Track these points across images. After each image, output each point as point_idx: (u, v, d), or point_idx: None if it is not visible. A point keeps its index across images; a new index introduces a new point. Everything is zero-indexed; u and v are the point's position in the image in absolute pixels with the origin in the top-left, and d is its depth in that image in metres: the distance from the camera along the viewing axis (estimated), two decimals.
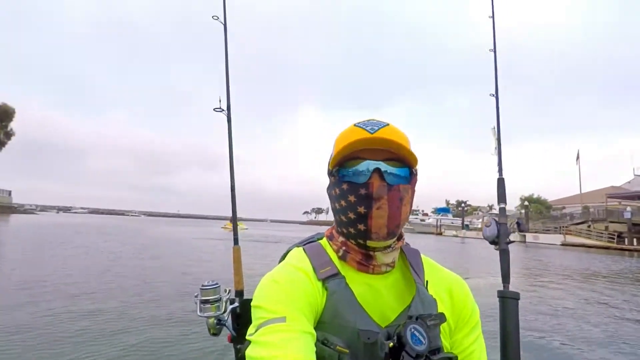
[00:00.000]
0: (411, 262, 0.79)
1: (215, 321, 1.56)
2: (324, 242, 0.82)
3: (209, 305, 1.55)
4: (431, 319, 0.66)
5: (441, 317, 0.68)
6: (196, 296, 1.54)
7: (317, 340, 0.65)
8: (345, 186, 0.72)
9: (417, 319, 0.66)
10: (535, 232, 44.03)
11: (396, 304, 0.74)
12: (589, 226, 38.95)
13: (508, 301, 1.17)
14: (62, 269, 8.46)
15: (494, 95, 1.56)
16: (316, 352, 0.63)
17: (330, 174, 0.77)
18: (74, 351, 3.56)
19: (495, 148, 1.49)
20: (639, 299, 8.74)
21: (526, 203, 53.06)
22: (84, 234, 21.44)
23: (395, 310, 0.73)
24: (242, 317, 1.55)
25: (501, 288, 1.22)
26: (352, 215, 0.71)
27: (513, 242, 1.29)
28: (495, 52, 1.63)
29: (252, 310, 0.67)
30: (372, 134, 0.70)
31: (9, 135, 53.58)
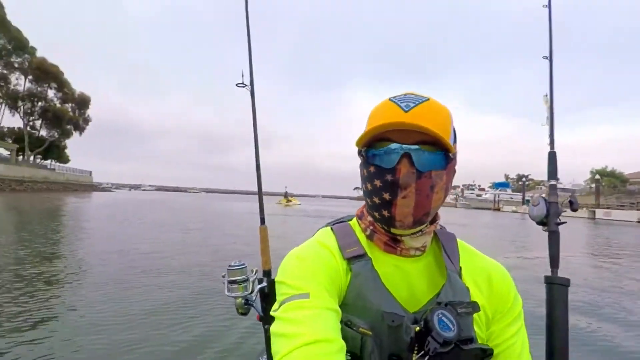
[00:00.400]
0: (445, 247, 0.75)
1: (242, 301, 1.55)
2: (353, 222, 0.79)
3: (236, 286, 1.53)
4: (462, 307, 0.63)
5: (474, 306, 0.64)
6: (223, 276, 1.53)
7: (341, 320, 0.63)
8: (372, 169, 0.67)
9: (446, 305, 0.62)
10: (608, 208, 40.38)
11: (426, 289, 0.70)
12: None
13: (556, 287, 1.08)
14: (136, 242, 9.08)
15: (547, 58, 1.38)
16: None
17: (359, 153, 0.72)
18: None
19: (547, 118, 1.32)
20: None
21: (597, 177, 48.39)
22: (156, 210, 22.99)
23: (425, 296, 0.69)
24: (269, 296, 1.54)
25: (549, 273, 1.12)
26: (377, 200, 0.67)
27: (564, 222, 1.16)
28: (550, 6, 1.40)
29: (277, 286, 0.66)
30: (406, 111, 0.63)
31: (86, 121, 59.01)
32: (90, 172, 70.90)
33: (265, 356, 1.62)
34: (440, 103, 0.68)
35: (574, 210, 1.17)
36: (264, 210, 1.62)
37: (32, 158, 52.73)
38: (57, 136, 55.96)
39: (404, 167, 0.63)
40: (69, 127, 56.07)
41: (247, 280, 1.55)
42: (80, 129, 57.94)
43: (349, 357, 0.63)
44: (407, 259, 0.72)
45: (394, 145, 0.64)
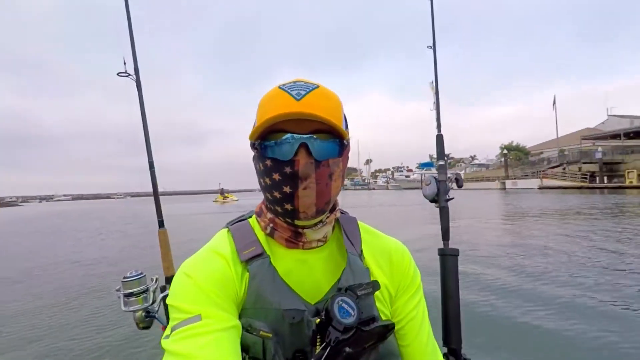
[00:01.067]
0: (347, 232, 0.75)
1: (143, 314, 1.41)
2: (252, 219, 0.76)
3: (134, 298, 1.39)
4: (362, 289, 0.63)
5: (374, 285, 0.65)
6: (118, 290, 1.37)
7: (242, 327, 0.62)
8: (269, 162, 0.63)
9: (346, 290, 0.62)
10: (514, 179, 45.00)
11: (329, 277, 0.70)
12: (564, 169, 39.93)
13: (448, 258, 1.16)
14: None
15: (431, 48, 1.41)
16: (241, 341, 0.61)
17: (252, 146, 0.68)
18: None
19: (434, 103, 1.39)
20: (594, 228, 9.00)
21: (505, 152, 53.67)
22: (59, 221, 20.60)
23: (328, 284, 0.69)
24: None
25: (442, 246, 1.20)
26: (277, 195, 0.64)
27: (452, 198, 1.26)
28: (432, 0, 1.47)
29: (168, 308, 0.63)
30: (298, 99, 0.61)
31: None
32: None
33: None
34: (330, 89, 0.66)
35: (460, 186, 1.29)
36: (161, 212, 1.48)
37: None
38: None
39: (302, 157, 0.61)
40: None
41: (146, 290, 1.41)
42: None
43: None
44: (310, 250, 0.70)
45: (289, 136, 0.62)
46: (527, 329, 3.26)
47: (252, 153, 0.70)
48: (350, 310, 0.60)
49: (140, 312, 1.39)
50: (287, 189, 0.63)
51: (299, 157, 0.61)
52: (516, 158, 54.26)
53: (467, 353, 1.11)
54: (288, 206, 0.64)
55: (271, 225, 0.71)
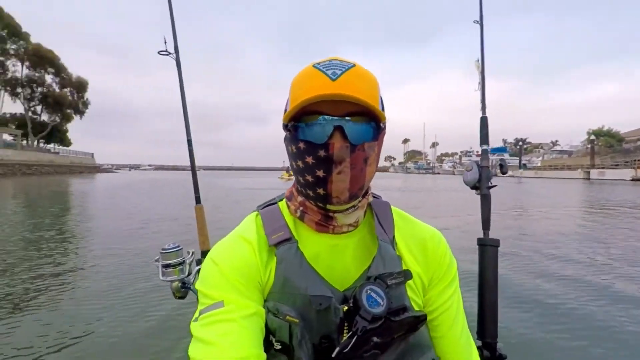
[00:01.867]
0: (379, 217, 0.71)
1: (179, 285, 1.46)
2: (282, 203, 0.74)
3: (171, 269, 1.45)
4: (392, 278, 0.61)
5: (406, 274, 0.63)
6: (157, 260, 1.43)
7: (269, 311, 0.62)
8: (302, 145, 0.61)
9: (375, 279, 0.60)
10: (602, 168, 40.15)
11: (359, 264, 0.67)
12: None
13: (487, 249, 1.11)
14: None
15: (477, 22, 1.30)
16: (267, 324, 0.61)
17: (284, 127, 0.65)
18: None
19: (479, 83, 1.29)
20: None
21: (592, 137, 47.87)
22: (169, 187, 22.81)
23: (357, 271, 0.66)
24: None
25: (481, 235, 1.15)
26: (310, 178, 0.62)
27: (495, 186, 1.19)
28: None
29: (197, 292, 0.64)
30: (333, 79, 0.57)
31: (85, 104, 58.44)
32: (93, 154, 70.51)
33: None
34: (366, 69, 0.62)
35: (504, 173, 1.22)
36: (198, 189, 1.50)
37: (35, 143, 52.55)
38: (58, 120, 55.63)
39: (337, 141, 0.58)
40: (69, 111, 55.62)
41: (183, 262, 1.45)
42: (80, 112, 57.50)
43: (280, 346, 0.62)
44: (340, 235, 0.68)
45: (324, 118, 0.58)
46: (569, 328, 3.05)
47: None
48: (379, 300, 0.57)
49: (176, 283, 1.44)
50: (320, 173, 0.60)
51: (333, 140, 0.58)
52: (606, 145, 48.23)
53: (502, 348, 1.06)
54: (320, 190, 0.62)
55: (301, 208, 0.69)
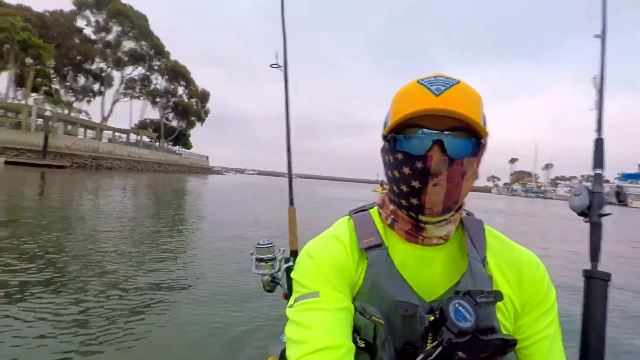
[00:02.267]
0: (471, 235, 0.70)
1: (269, 279, 1.57)
2: (373, 210, 0.76)
3: (264, 264, 1.55)
4: (482, 296, 0.59)
5: (496, 295, 0.61)
6: (252, 254, 1.55)
7: (356, 310, 0.64)
8: (400, 156, 0.63)
9: (464, 294, 0.59)
10: None
11: (447, 278, 0.67)
12: None
13: (596, 282, 1.01)
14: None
15: (599, 37, 1.21)
16: (354, 322, 0.63)
17: (384, 138, 0.67)
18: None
19: (596, 102, 1.20)
20: None
21: None
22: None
23: (444, 285, 0.66)
24: None
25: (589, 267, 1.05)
26: (405, 188, 0.63)
27: (609, 214, 1.08)
28: None
29: (292, 282, 0.68)
30: (437, 95, 0.59)
31: (206, 113, 66.80)
32: (207, 157, 78.54)
33: None
34: (471, 86, 0.62)
35: (621, 201, 1.11)
36: (292, 192, 1.60)
37: (165, 144, 61.26)
38: (184, 126, 64.30)
39: (436, 154, 0.59)
40: (193, 118, 63.75)
41: (274, 258, 1.56)
42: (201, 119, 65.65)
43: (363, 344, 0.63)
44: (429, 247, 0.68)
45: (425, 131, 0.60)
46: None
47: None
48: (467, 315, 0.56)
49: (267, 277, 1.55)
50: (415, 184, 0.62)
51: (432, 153, 0.59)
52: None
53: None
54: (414, 200, 0.63)
55: (392, 216, 0.70)
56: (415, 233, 0.67)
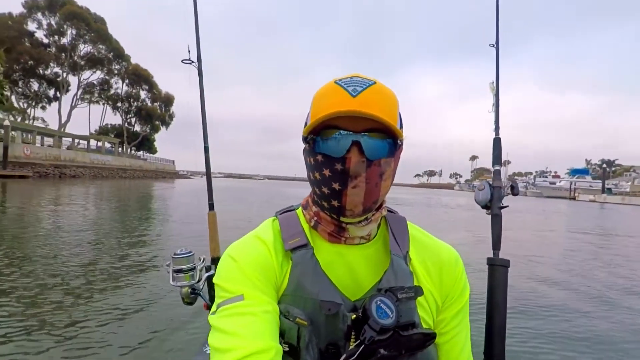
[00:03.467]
0: (394, 232, 0.71)
1: (189, 290, 1.44)
2: (299, 211, 0.75)
3: (182, 275, 1.43)
4: (403, 292, 0.60)
5: (417, 290, 0.62)
6: (168, 265, 1.42)
7: (280, 312, 0.62)
8: (320, 158, 0.62)
9: (386, 291, 0.59)
10: None
11: (371, 276, 0.67)
12: None
13: (497, 269, 1.09)
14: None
15: (493, 46, 1.31)
16: (279, 325, 0.61)
17: (304, 140, 0.66)
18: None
19: (493, 105, 1.30)
20: None
21: None
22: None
23: (369, 283, 0.66)
24: None
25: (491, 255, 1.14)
26: (326, 190, 0.63)
27: (506, 206, 1.17)
28: None
29: (215, 287, 0.64)
30: (354, 96, 0.58)
31: (171, 117, 64.74)
32: (173, 162, 76.08)
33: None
34: (387, 87, 0.62)
35: (515, 194, 1.18)
36: (212, 195, 1.47)
37: (128, 150, 58.89)
38: (148, 131, 62.08)
39: (354, 155, 0.59)
40: (157, 122, 61.71)
41: (194, 268, 1.43)
42: (166, 124, 63.61)
43: (287, 348, 0.61)
44: (354, 247, 0.68)
45: (343, 133, 0.59)
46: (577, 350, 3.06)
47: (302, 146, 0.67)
48: (389, 312, 0.56)
49: (186, 289, 1.42)
50: (336, 186, 0.61)
51: (350, 154, 0.59)
52: None
53: None
54: (335, 203, 0.63)
55: (315, 218, 0.69)
56: (337, 234, 0.66)
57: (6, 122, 29.85)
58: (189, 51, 1.42)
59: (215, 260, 1.47)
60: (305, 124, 0.65)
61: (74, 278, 4.36)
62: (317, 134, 0.62)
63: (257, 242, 0.67)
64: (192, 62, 1.43)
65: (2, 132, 28.64)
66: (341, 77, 0.62)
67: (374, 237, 0.70)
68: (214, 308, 0.61)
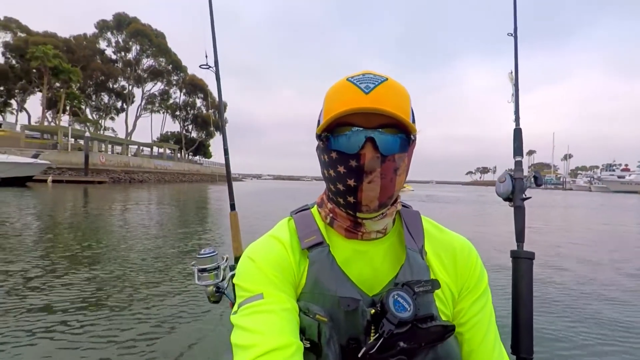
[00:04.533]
0: (408, 226, 0.71)
1: (214, 289, 1.46)
2: (314, 209, 0.75)
3: (207, 274, 1.46)
4: (420, 285, 0.61)
5: (433, 284, 0.63)
6: (193, 265, 1.45)
7: (300, 310, 0.62)
8: (334, 155, 0.62)
9: (403, 285, 0.60)
10: None
11: (388, 271, 0.67)
12: None
13: (522, 261, 1.07)
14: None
15: (511, 35, 1.29)
16: (299, 322, 0.62)
17: (318, 137, 0.66)
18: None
19: (512, 95, 1.26)
20: None
21: None
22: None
23: (386, 277, 0.67)
24: None
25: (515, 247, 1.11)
26: (341, 187, 0.63)
27: (529, 197, 1.15)
28: None
29: (235, 287, 0.66)
30: (366, 93, 0.59)
31: (225, 123, 67.03)
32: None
33: None
34: (399, 83, 0.62)
35: (539, 185, 1.16)
36: (233, 196, 1.47)
37: (186, 155, 62.49)
38: (204, 137, 65.63)
39: (369, 152, 0.59)
40: (212, 129, 64.73)
41: (217, 267, 1.45)
42: (220, 129, 66.36)
43: (308, 344, 0.61)
44: (370, 242, 0.68)
45: (356, 130, 0.59)
46: (608, 342, 2.86)
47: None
48: (406, 305, 0.57)
49: (211, 287, 1.44)
50: (351, 182, 0.61)
51: (365, 150, 0.59)
52: None
53: None
54: (351, 199, 0.63)
55: (331, 215, 0.69)
56: (353, 229, 0.66)
57: (87, 134, 33.61)
58: (206, 56, 1.44)
59: (238, 259, 1.48)
60: (318, 122, 0.66)
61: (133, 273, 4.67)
62: (330, 132, 0.62)
63: (274, 241, 0.68)
64: (210, 67, 1.45)
65: (83, 143, 32.06)
66: (353, 74, 0.62)
67: (390, 231, 0.70)
68: (235, 308, 0.62)
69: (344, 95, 0.60)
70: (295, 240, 0.68)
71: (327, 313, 0.61)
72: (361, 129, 0.59)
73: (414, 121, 0.65)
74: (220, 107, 1.44)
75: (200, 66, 1.43)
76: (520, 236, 1.13)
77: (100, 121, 53.39)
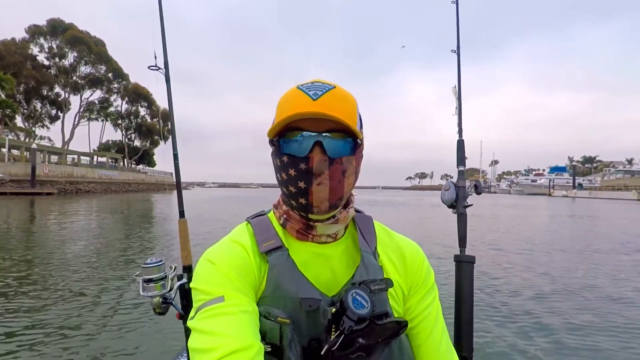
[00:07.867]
0: (362, 230, 0.72)
1: (160, 300, 1.32)
2: (271, 214, 0.74)
3: (153, 284, 1.32)
4: (375, 284, 0.62)
5: (387, 282, 0.64)
6: (138, 275, 1.31)
7: (260, 314, 0.61)
8: (285, 158, 0.63)
9: (360, 284, 0.61)
10: None
11: (344, 272, 0.68)
12: None
13: (463, 265, 1.10)
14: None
15: (454, 52, 1.30)
16: (259, 327, 0.59)
17: (270, 142, 0.67)
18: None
19: (456, 108, 1.29)
20: None
21: None
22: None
23: (343, 278, 0.67)
24: (190, 293, 1.27)
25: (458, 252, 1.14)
26: (293, 189, 0.63)
27: (471, 205, 1.16)
28: (457, 1, 1.31)
29: (192, 292, 0.62)
30: (314, 99, 0.60)
31: (169, 131, 63.33)
32: (172, 174, 75.38)
33: (185, 354, 1.40)
34: (346, 90, 0.64)
35: (478, 193, 1.19)
36: (183, 203, 1.36)
37: (129, 164, 58.26)
38: (148, 145, 61.70)
39: (317, 154, 0.60)
40: (156, 137, 61.24)
41: (165, 277, 1.32)
42: (164, 138, 62.69)
43: (269, 349, 0.60)
44: (326, 245, 0.68)
45: (305, 134, 0.61)
46: (546, 342, 2.96)
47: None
48: (364, 303, 0.58)
49: (157, 298, 1.31)
50: (301, 184, 0.61)
51: (313, 154, 0.60)
52: None
53: None
54: (302, 200, 0.63)
55: (284, 216, 0.69)
56: (305, 232, 0.67)
57: (34, 145, 31.10)
58: (155, 57, 1.33)
59: (187, 269, 1.36)
60: (268, 132, 0.66)
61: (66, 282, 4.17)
62: (282, 136, 0.63)
63: (235, 245, 0.65)
64: (159, 68, 1.34)
65: (29, 155, 29.87)
66: (303, 82, 0.63)
67: (342, 236, 0.70)
68: (192, 313, 0.59)
69: (294, 101, 0.61)
70: (254, 244, 0.66)
71: (289, 315, 0.60)
72: (310, 133, 0.60)
73: (361, 126, 0.66)
74: (170, 109, 1.33)
75: (149, 67, 1.32)
76: (462, 241, 1.16)
77: (33, 129, 47.70)
